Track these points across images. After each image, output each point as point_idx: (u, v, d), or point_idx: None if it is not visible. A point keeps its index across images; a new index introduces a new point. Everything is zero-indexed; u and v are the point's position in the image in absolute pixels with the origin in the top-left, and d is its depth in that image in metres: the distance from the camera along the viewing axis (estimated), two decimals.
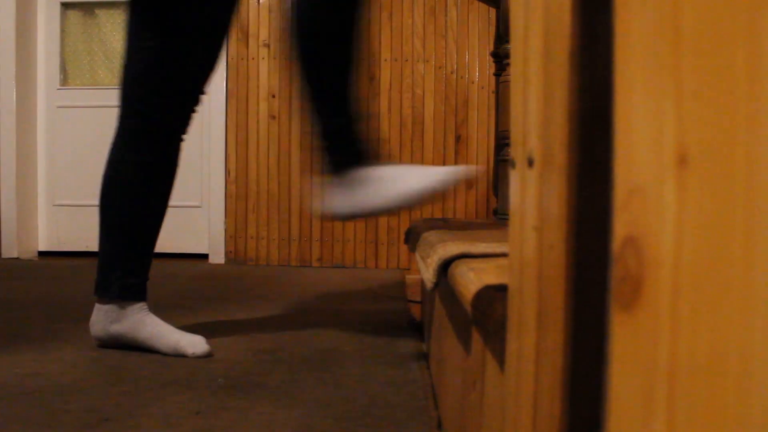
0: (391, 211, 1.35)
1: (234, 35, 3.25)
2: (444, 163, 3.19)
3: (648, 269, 0.25)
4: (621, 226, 0.27)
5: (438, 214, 3.18)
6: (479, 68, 3.20)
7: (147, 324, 1.43)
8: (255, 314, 1.93)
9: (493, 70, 2.53)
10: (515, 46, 0.47)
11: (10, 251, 3.28)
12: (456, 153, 3.20)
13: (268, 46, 3.24)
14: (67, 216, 3.38)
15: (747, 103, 0.19)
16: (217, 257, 3.27)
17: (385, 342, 1.58)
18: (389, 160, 1.44)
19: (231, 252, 3.27)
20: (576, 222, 0.34)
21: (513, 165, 0.46)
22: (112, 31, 3.40)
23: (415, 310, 2.03)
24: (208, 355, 1.40)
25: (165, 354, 1.40)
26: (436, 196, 1.35)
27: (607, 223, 0.29)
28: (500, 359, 0.53)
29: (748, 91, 0.19)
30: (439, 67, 3.17)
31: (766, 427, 0.18)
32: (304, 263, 3.24)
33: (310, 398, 1.15)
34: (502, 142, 1.91)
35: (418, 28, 3.19)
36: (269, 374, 1.29)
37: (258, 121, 3.25)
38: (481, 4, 3.06)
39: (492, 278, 0.55)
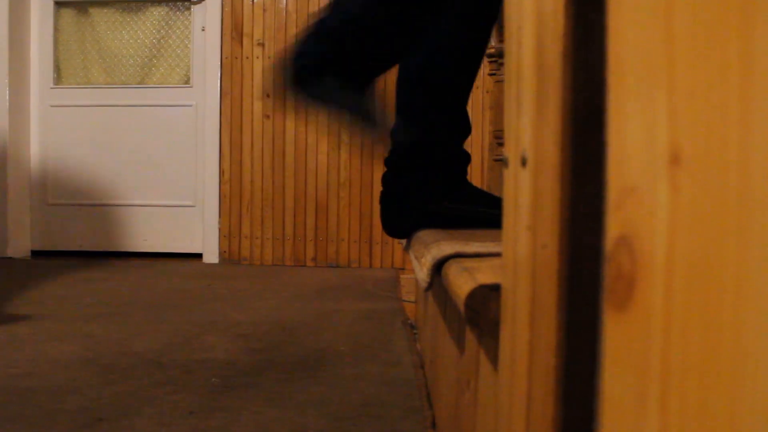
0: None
1: (228, 34, 3.24)
2: None
3: (641, 268, 0.25)
4: (614, 226, 0.27)
5: None
6: None
7: None
8: (249, 314, 1.92)
9: (487, 70, 2.53)
10: (509, 46, 0.47)
11: (3, 250, 3.27)
12: None
13: (262, 45, 3.23)
14: (60, 215, 3.37)
15: (740, 101, 0.19)
16: (211, 257, 3.27)
17: (380, 341, 1.58)
18: None
19: (225, 251, 3.26)
20: (569, 221, 0.34)
21: (506, 164, 0.46)
22: (106, 29, 3.39)
23: (410, 310, 2.03)
24: None
25: None
26: None
27: (600, 223, 0.29)
28: (494, 358, 0.53)
29: (741, 89, 0.19)
30: None
31: (758, 426, 0.18)
32: (298, 263, 3.24)
33: (304, 398, 1.14)
34: (496, 141, 1.91)
35: None
36: (263, 374, 1.28)
37: (252, 121, 3.24)
38: None
39: (486, 278, 0.55)
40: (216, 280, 2.67)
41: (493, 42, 2.03)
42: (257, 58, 3.23)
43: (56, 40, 3.40)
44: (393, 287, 2.52)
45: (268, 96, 3.24)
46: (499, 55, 1.86)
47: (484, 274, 0.59)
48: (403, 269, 3.13)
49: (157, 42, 3.37)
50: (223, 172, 3.25)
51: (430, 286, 0.84)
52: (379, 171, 3.23)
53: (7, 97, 3.25)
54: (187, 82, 3.34)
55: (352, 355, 1.44)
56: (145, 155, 3.34)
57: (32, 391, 1.15)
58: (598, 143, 0.32)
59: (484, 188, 3.18)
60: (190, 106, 3.32)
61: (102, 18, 3.39)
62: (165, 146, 3.34)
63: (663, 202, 0.23)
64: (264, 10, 3.22)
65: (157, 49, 3.37)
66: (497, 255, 0.75)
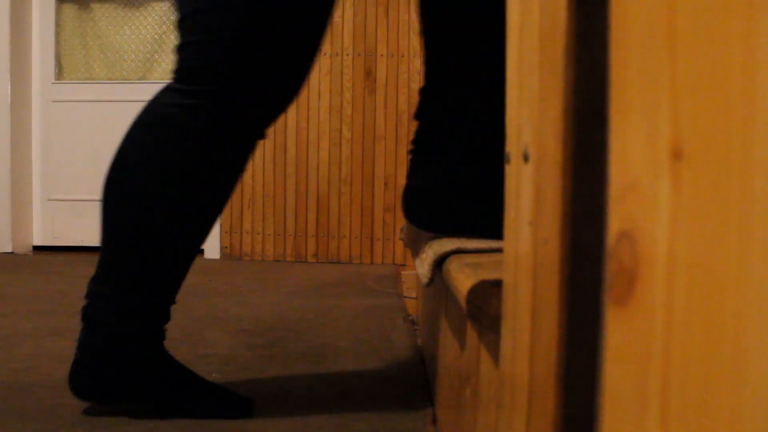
0: None
1: None
2: None
3: (642, 264, 0.25)
4: (616, 221, 0.27)
5: None
6: None
7: None
8: (250, 310, 1.93)
9: None
10: (511, 42, 0.47)
11: (5, 246, 3.27)
12: None
13: None
14: (62, 211, 3.37)
15: (742, 98, 0.19)
16: (213, 252, 3.27)
17: (380, 337, 1.58)
18: None
19: (226, 247, 3.27)
20: (571, 217, 0.34)
21: (508, 160, 0.46)
22: (107, 25, 3.38)
23: (410, 306, 2.03)
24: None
25: None
26: None
27: (602, 218, 0.30)
28: (495, 354, 0.53)
29: (743, 86, 0.19)
30: None
31: (760, 421, 0.18)
32: (299, 259, 3.24)
33: (305, 393, 1.15)
34: None
35: (414, 23, 3.18)
36: (264, 369, 1.29)
37: None
38: None
39: (487, 273, 0.55)
40: (217, 275, 2.67)
41: None
42: None
43: (58, 35, 3.40)
44: (394, 283, 2.52)
45: None
46: None
47: (486, 269, 0.59)
48: (404, 265, 3.13)
49: (158, 37, 3.37)
50: None
51: (431, 281, 0.85)
52: (380, 167, 3.23)
53: (9, 93, 3.25)
54: None
55: (353, 351, 1.45)
56: None
57: (33, 385, 1.16)
58: (600, 139, 0.32)
59: None
60: None
61: (103, 13, 3.39)
62: None
63: (664, 197, 0.23)
64: None
65: (159, 45, 3.37)
66: (498, 251, 0.75)
